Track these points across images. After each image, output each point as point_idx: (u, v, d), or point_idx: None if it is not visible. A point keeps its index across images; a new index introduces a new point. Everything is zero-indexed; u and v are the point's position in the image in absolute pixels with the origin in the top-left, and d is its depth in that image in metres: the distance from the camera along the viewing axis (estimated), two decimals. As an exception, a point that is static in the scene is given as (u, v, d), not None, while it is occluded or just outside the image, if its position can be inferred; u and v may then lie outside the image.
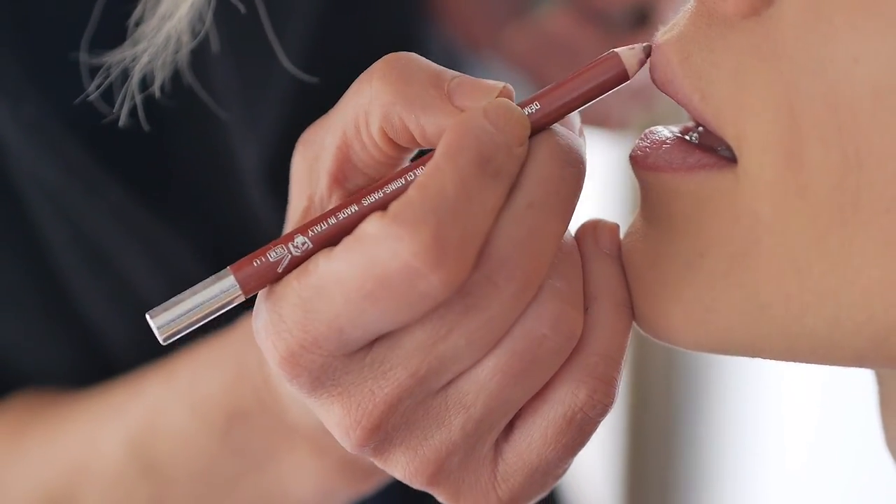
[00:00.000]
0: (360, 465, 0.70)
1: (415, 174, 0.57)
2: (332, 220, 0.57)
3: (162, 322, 0.58)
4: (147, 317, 0.57)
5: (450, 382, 0.58)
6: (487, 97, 0.57)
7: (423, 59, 0.58)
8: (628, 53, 0.57)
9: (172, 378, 0.74)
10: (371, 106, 0.57)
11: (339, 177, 0.59)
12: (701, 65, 0.56)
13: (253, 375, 0.69)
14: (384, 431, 0.58)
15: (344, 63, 0.84)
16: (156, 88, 0.69)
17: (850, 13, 0.52)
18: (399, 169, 0.58)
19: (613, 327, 0.58)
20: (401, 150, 0.58)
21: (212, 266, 0.79)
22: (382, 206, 0.57)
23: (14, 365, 0.80)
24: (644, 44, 0.58)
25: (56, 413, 0.78)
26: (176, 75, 0.71)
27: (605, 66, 0.58)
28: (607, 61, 0.58)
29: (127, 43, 0.68)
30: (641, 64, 0.58)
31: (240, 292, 0.57)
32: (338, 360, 0.57)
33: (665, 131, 0.59)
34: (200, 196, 0.80)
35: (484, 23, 0.94)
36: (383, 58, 0.58)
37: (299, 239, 0.57)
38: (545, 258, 0.56)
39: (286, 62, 0.72)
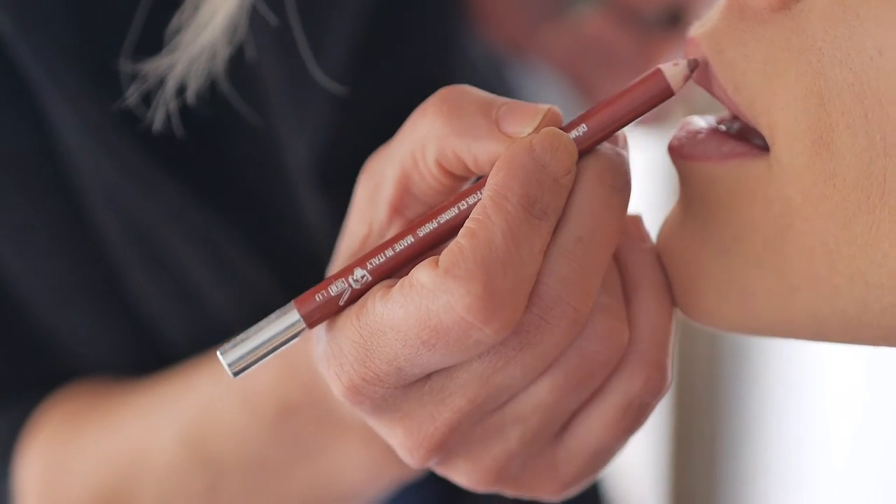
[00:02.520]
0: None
1: (467, 203, 0.58)
2: (389, 252, 0.58)
3: (232, 359, 0.59)
4: (217, 354, 0.59)
5: (507, 401, 0.59)
6: (534, 122, 0.58)
7: (474, 89, 0.60)
8: (672, 70, 0.58)
9: (223, 372, 0.75)
10: (426, 139, 0.59)
11: (399, 206, 0.61)
12: (734, 58, 0.57)
13: (301, 371, 0.71)
14: (446, 449, 0.60)
15: (386, 69, 0.86)
16: (192, 96, 0.71)
17: (874, 6, 0.54)
18: (451, 197, 0.59)
19: (658, 312, 0.60)
20: (457, 178, 0.60)
21: (263, 261, 0.80)
22: (437, 236, 0.58)
23: (71, 356, 0.82)
24: (688, 59, 0.58)
25: (111, 404, 0.79)
26: (215, 83, 0.73)
27: (650, 84, 0.58)
28: (651, 78, 0.58)
29: (165, 51, 0.70)
30: (686, 79, 0.58)
31: (304, 326, 0.59)
32: (398, 391, 0.59)
33: (701, 122, 0.60)
34: (251, 195, 0.81)
35: (521, 26, 0.95)
36: (436, 92, 0.60)
37: (359, 272, 0.58)
38: (594, 288, 0.58)
39: (318, 74, 0.74)
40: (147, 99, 0.73)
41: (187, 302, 0.81)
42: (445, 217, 0.58)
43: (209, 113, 0.75)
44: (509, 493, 0.62)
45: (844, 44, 0.54)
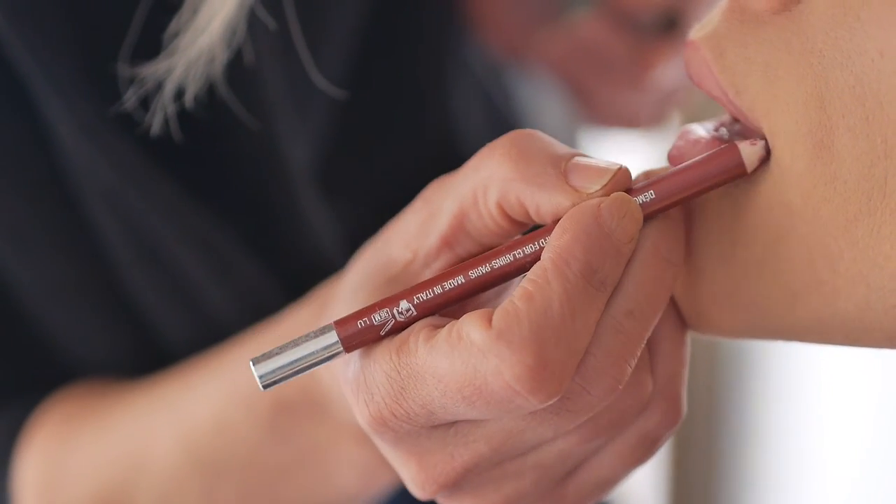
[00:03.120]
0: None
1: (524, 251, 0.57)
2: (438, 290, 0.58)
3: (264, 371, 0.59)
4: (250, 364, 0.59)
5: (529, 450, 0.59)
6: (603, 180, 0.57)
7: (545, 135, 0.59)
8: (749, 150, 0.57)
9: (221, 372, 0.75)
10: (490, 180, 0.58)
11: (451, 240, 0.60)
12: (734, 60, 0.57)
13: None
14: (457, 487, 0.60)
15: (384, 72, 0.86)
16: (190, 99, 0.70)
17: (875, 9, 0.53)
18: (507, 243, 0.59)
19: (672, 345, 0.60)
20: (515, 223, 0.60)
21: (262, 263, 0.81)
22: (489, 280, 0.58)
23: (70, 356, 0.82)
24: (764, 140, 0.57)
25: (108, 405, 0.79)
26: (213, 86, 0.73)
27: (724, 159, 0.57)
28: (727, 153, 0.57)
29: (163, 55, 0.70)
30: (762, 161, 0.57)
31: (341, 349, 0.58)
32: (424, 430, 0.58)
33: (700, 129, 0.60)
34: (249, 197, 0.81)
35: (517, 30, 0.95)
36: (507, 134, 0.59)
37: (404, 305, 0.58)
38: (635, 360, 0.57)
39: (317, 77, 0.74)
40: (145, 102, 0.73)
41: (185, 303, 0.81)
42: (499, 262, 0.58)
43: (207, 116, 0.75)
44: None
45: (845, 46, 0.54)
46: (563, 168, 0.58)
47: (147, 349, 0.82)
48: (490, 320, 0.55)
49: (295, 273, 0.80)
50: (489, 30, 0.95)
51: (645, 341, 0.58)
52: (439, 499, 0.61)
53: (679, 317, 0.61)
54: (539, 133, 0.59)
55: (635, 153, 1.00)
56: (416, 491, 0.60)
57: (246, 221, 0.81)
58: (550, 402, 0.55)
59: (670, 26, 0.93)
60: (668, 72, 0.92)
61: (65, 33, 0.75)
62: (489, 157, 0.59)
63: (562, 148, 0.59)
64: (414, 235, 0.61)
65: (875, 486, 1.60)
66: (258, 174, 0.81)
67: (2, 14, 0.74)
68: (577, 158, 0.58)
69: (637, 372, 0.58)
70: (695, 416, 1.87)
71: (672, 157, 0.60)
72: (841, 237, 0.56)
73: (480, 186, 0.59)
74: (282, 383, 0.59)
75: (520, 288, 0.56)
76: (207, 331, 0.80)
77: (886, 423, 1.58)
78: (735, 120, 0.59)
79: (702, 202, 0.59)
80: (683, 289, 0.60)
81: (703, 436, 1.86)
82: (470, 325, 0.56)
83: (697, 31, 0.59)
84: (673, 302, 0.60)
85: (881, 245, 0.55)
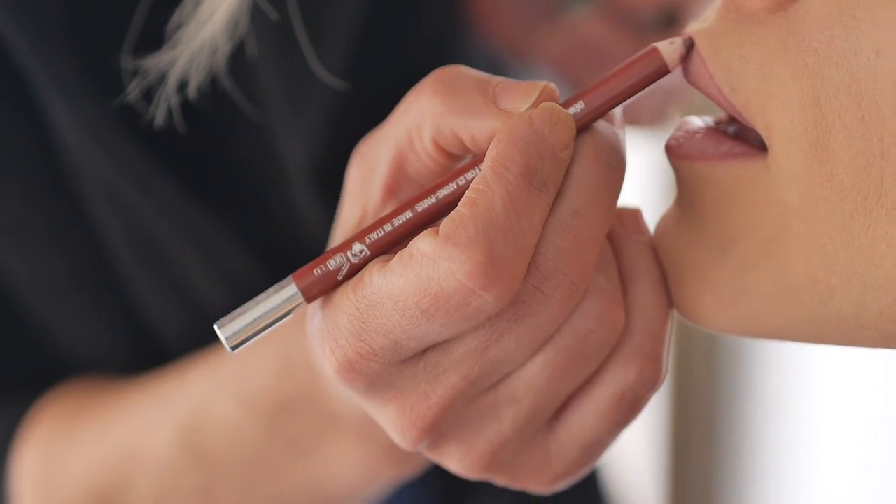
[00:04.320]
0: (404, 450, 0.72)
1: (465, 178, 0.58)
2: (388, 227, 0.58)
3: (230, 332, 0.59)
4: (215, 327, 0.59)
5: (500, 380, 0.60)
6: (531, 98, 0.58)
7: (469, 69, 0.60)
8: (668, 48, 0.58)
9: (219, 369, 0.76)
10: (422, 119, 0.59)
11: (394, 187, 0.61)
12: (730, 59, 0.57)
13: (298, 368, 0.71)
14: (438, 430, 0.60)
15: (385, 67, 0.86)
16: (193, 91, 0.71)
17: (871, 7, 0.53)
18: (449, 174, 0.59)
19: (654, 305, 0.60)
20: (453, 157, 0.60)
21: (259, 259, 0.81)
22: (436, 211, 0.58)
23: (68, 353, 0.82)
24: (684, 37, 0.59)
25: (107, 401, 0.79)
26: (216, 78, 0.73)
27: (646, 61, 0.59)
28: (648, 56, 0.59)
29: (166, 47, 0.70)
30: (682, 58, 0.58)
31: (302, 300, 0.59)
32: (393, 367, 0.59)
33: (699, 121, 0.60)
34: (247, 193, 0.81)
35: (518, 27, 0.95)
36: (432, 72, 0.60)
37: (357, 247, 0.58)
38: (590, 263, 0.58)
39: (319, 69, 0.74)
40: (148, 95, 0.73)
41: (184, 299, 0.81)
42: (444, 192, 0.58)
43: (210, 109, 0.75)
44: (500, 481, 0.62)
45: (841, 45, 0.54)
46: (490, 94, 0.58)
47: (145, 346, 0.82)
48: (438, 232, 0.56)
49: (291, 270, 0.80)
50: (490, 27, 0.95)
51: (597, 245, 0.58)
52: (426, 450, 0.61)
53: (663, 280, 0.61)
54: (463, 67, 0.60)
55: (637, 152, 1.00)
56: (400, 440, 0.60)
57: (244, 218, 0.81)
58: (506, 300, 0.56)
59: (670, 23, 0.93)
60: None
61: (67, 29, 0.75)
62: (417, 97, 0.59)
63: (487, 76, 0.59)
64: (360, 192, 0.62)
65: (875, 486, 1.60)
66: (257, 169, 0.81)
67: (2, 9, 0.74)
68: (503, 82, 0.59)
69: (602, 298, 0.59)
70: (694, 415, 1.87)
71: (670, 148, 0.60)
72: (837, 236, 0.56)
73: (414, 127, 0.59)
74: (249, 342, 0.59)
75: (463, 198, 0.56)
76: (205, 327, 0.80)
77: (887, 424, 1.58)
78: (732, 119, 0.59)
79: (701, 198, 0.59)
80: (677, 280, 0.61)
81: (702, 435, 1.87)
82: (419, 240, 0.56)
83: (692, 29, 0.59)
84: (663, 276, 0.61)
85: (877, 244, 0.55)
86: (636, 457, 1.85)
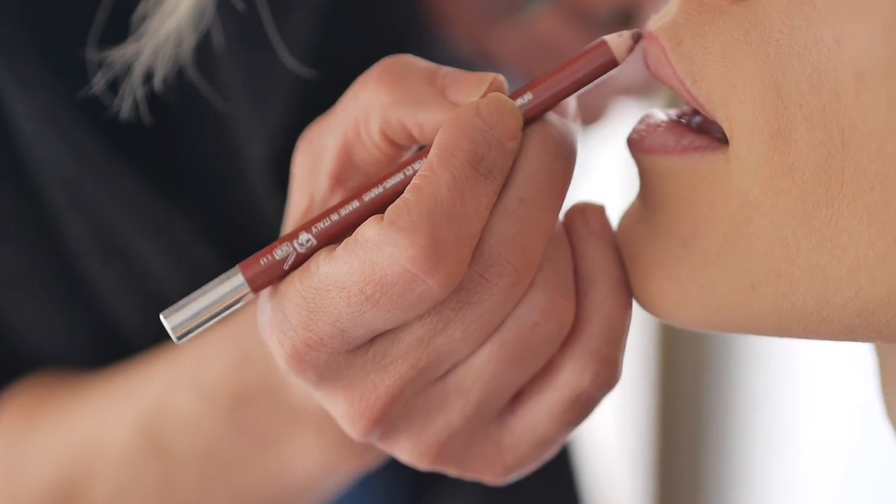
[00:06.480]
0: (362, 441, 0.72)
1: (413, 168, 0.58)
2: (335, 217, 0.58)
3: (175, 322, 0.59)
4: (161, 317, 0.59)
5: (448, 371, 0.59)
6: (479, 89, 0.58)
7: (418, 58, 0.60)
8: (617, 40, 0.59)
9: (179, 362, 0.75)
10: (369, 108, 0.59)
11: (341, 176, 0.61)
12: (692, 50, 0.57)
13: (257, 360, 0.71)
14: (388, 420, 0.60)
15: (347, 58, 0.86)
16: (159, 83, 0.70)
17: None
18: (397, 164, 0.59)
19: (613, 308, 0.60)
20: (400, 148, 0.60)
21: (220, 253, 0.80)
22: (383, 200, 0.58)
23: (29, 347, 0.81)
24: (632, 30, 0.59)
25: (67, 395, 0.79)
26: (182, 70, 0.73)
27: (595, 54, 0.59)
28: (597, 49, 0.59)
29: (131, 39, 0.69)
30: (630, 50, 0.59)
31: (248, 290, 0.59)
32: (341, 357, 0.58)
33: (661, 114, 0.60)
34: (208, 186, 0.81)
35: (476, 24, 0.95)
36: (379, 61, 0.60)
37: (303, 236, 0.58)
38: (536, 252, 0.58)
39: (286, 57, 0.74)
40: (114, 87, 0.72)
41: (144, 292, 0.81)
42: (391, 182, 0.58)
43: (176, 101, 0.75)
44: (452, 472, 0.62)
45: (802, 35, 0.54)
46: (439, 84, 0.58)
47: (106, 339, 0.82)
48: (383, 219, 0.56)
49: None
50: (448, 22, 0.95)
51: (543, 235, 0.58)
52: (376, 441, 0.61)
53: (624, 283, 0.61)
54: (410, 56, 0.60)
55: (604, 148, 1.00)
56: (351, 430, 0.60)
57: (205, 210, 0.81)
58: (450, 286, 0.56)
59: (626, 22, 0.94)
60: (625, 66, 0.92)
61: (29, 20, 0.75)
62: (364, 86, 0.59)
63: (436, 66, 0.59)
64: (307, 181, 0.62)
65: (861, 484, 1.60)
66: (220, 161, 0.81)
67: None
68: (452, 73, 0.59)
69: (549, 290, 0.58)
70: (680, 415, 1.87)
71: (632, 141, 0.60)
72: (799, 228, 0.56)
73: (361, 116, 0.59)
74: (196, 332, 0.59)
75: (409, 184, 0.56)
76: None
77: (872, 421, 1.59)
78: (695, 112, 0.59)
79: (662, 191, 0.59)
80: (639, 274, 0.60)
81: (688, 435, 1.87)
82: (364, 226, 0.56)
83: (655, 22, 0.59)
84: (624, 278, 0.61)
85: (839, 237, 0.55)
86: (622, 454, 1.86)
